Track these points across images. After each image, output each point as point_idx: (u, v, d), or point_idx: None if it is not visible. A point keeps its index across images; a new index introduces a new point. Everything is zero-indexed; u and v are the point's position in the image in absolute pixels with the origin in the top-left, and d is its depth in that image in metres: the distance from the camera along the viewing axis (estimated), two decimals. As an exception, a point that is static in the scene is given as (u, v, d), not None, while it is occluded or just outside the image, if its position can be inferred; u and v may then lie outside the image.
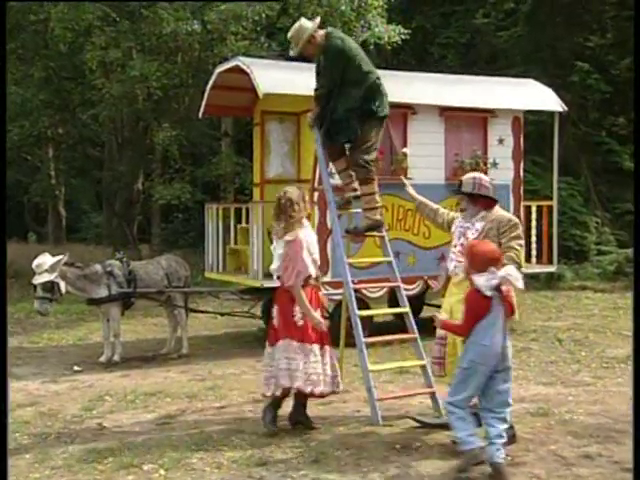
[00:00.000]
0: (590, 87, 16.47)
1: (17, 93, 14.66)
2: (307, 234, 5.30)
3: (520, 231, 5.00)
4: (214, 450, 4.86)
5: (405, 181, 6.15)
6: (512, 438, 4.88)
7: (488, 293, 4.37)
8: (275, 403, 5.28)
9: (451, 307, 5.04)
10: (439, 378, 5.22)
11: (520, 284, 4.41)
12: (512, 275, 4.39)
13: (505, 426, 4.47)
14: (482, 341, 4.41)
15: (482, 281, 4.38)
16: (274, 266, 5.37)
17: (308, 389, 5.11)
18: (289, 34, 6.10)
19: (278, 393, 5.17)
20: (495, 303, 4.43)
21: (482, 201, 5.06)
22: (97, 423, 5.57)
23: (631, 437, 5.06)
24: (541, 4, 16.36)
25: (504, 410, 4.48)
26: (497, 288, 4.39)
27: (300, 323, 5.16)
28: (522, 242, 4.98)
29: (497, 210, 5.09)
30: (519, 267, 4.76)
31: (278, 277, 5.39)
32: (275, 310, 5.31)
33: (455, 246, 5.11)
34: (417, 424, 5.38)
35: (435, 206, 5.69)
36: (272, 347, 5.22)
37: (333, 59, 5.86)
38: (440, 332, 5.03)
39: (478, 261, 4.44)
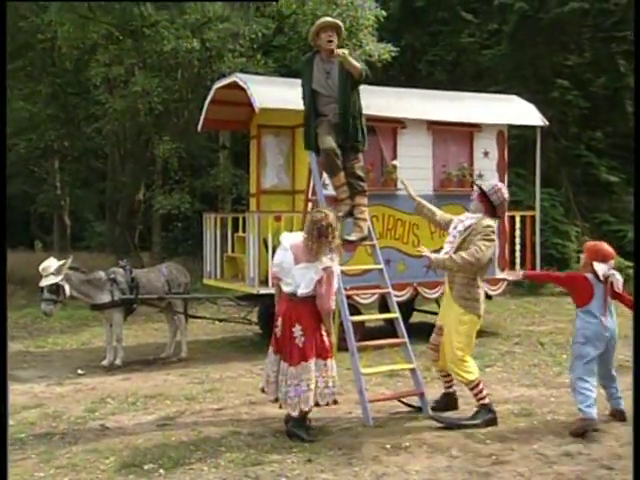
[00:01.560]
0: (569, 103, 16.57)
1: (25, 108, 14.69)
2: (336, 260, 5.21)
3: (491, 236, 5.36)
4: (212, 450, 4.84)
5: (406, 182, 6.23)
6: (492, 422, 5.34)
7: (602, 278, 5.25)
8: (301, 420, 5.13)
9: (446, 323, 5.55)
10: (433, 363, 5.80)
11: (620, 285, 5.30)
12: (617, 276, 5.30)
13: (617, 384, 5.52)
14: (593, 320, 5.27)
15: (603, 268, 5.25)
16: (304, 290, 5.04)
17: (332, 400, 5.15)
18: (340, 24, 6.11)
19: (298, 412, 5.04)
20: (598, 290, 5.28)
21: (487, 205, 5.48)
22: (100, 424, 5.54)
23: (610, 436, 5.08)
24: (523, 25, 16.46)
25: (614, 374, 5.51)
26: (604, 280, 5.27)
27: (327, 343, 5.13)
28: (489, 244, 5.33)
29: (488, 219, 5.42)
30: (477, 261, 5.25)
31: (293, 294, 5.11)
32: (299, 329, 5.06)
33: (448, 235, 5.58)
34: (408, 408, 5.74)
35: (433, 207, 6.01)
36: (296, 366, 5.03)
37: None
38: (440, 322, 5.62)
39: (601, 255, 5.31)
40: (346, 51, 5.86)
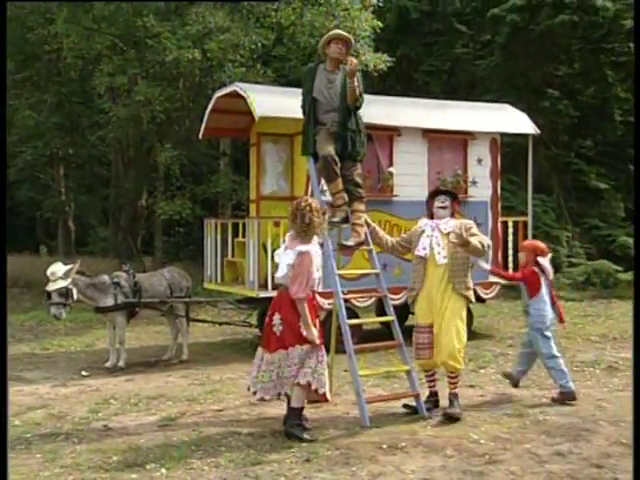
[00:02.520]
0: (560, 112, 16.63)
1: (31, 117, 14.67)
2: (317, 250, 5.17)
3: (477, 230, 5.83)
4: (212, 450, 4.82)
5: (366, 216, 6.33)
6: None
7: (547, 271, 6.14)
8: (299, 420, 5.14)
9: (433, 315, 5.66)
10: (425, 363, 5.72)
11: (551, 274, 6.19)
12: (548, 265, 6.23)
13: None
14: (546, 309, 6.13)
15: (546, 261, 6.17)
16: (280, 274, 5.11)
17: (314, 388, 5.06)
18: (351, 39, 6.12)
19: (267, 398, 5.13)
20: (544, 281, 6.17)
21: (455, 208, 5.95)
22: (103, 425, 5.52)
23: (599, 436, 5.08)
24: (514, 36, 16.51)
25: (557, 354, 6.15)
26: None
27: (304, 333, 5.04)
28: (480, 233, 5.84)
29: (456, 218, 5.91)
30: (488, 247, 5.80)
31: (277, 286, 5.25)
32: (278, 318, 5.08)
33: (428, 237, 5.75)
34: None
35: (385, 235, 6.23)
36: (272, 354, 5.07)
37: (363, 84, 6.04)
38: (426, 322, 5.66)
39: (540, 251, 6.22)
40: (358, 75, 5.85)
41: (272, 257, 7.01)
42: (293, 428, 5.07)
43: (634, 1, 10.73)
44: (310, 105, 6.06)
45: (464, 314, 5.71)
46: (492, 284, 9.38)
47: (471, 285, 5.75)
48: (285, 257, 5.11)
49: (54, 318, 7.46)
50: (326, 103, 6.00)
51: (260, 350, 5.23)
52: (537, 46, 16.75)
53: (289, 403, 5.17)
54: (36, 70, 14.97)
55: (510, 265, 9.86)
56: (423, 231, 5.80)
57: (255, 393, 5.20)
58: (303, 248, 5.03)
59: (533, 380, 6.92)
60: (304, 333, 5.02)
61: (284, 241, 5.31)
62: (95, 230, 24.14)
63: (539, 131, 9.96)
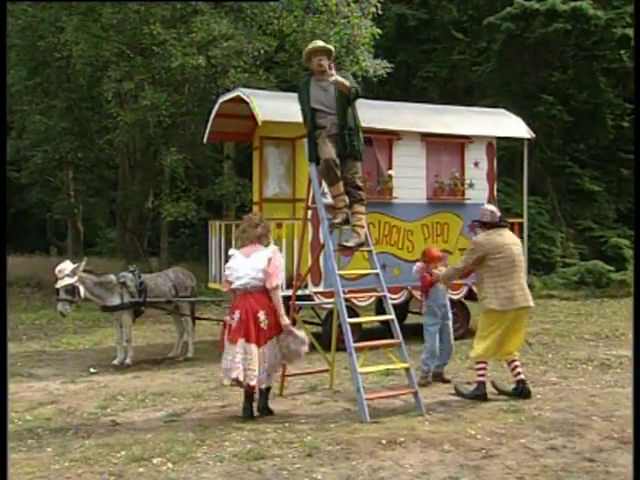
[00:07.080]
0: (554, 117, 16.63)
1: (42, 122, 14.70)
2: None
3: (471, 247, 6.16)
4: (217, 445, 4.82)
5: (436, 272, 6.65)
6: (479, 397, 6.02)
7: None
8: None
9: None
10: None
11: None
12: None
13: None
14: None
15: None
16: (251, 276, 5.53)
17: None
18: (329, 47, 6.22)
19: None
20: None
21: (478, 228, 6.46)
22: (111, 420, 5.53)
23: (592, 431, 5.07)
24: (510, 44, 16.53)
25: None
26: None
27: (282, 321, 5.56)
28: (467, 252, 6.20)
29: (474, 237, 6.44)
30: (460, 265, 6.26)
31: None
32: (265, 314, 5.49)
33: None
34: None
35: None
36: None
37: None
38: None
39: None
40: (337, 77, 5.91)
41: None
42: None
43: (634, 3, 10.72)
44: (311, 115, 6.10)
45: (483, 318, 6.12)
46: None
47: (484, 294, 6.02)
48: (255, 262, 5.50)
49: (60, 314, 7.47)
50: (324, 109, 6.06)
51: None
52: (532, 53, 16.78)
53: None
54: (46, 77, 15.01)
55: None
56: None
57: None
58: (271, 249, 5.60)
59: (528, 377, 6.91)
60: (282, 321, 5.48)
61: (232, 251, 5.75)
62: (103, 231, 24.13)
63: (534, 135, 9.96)
